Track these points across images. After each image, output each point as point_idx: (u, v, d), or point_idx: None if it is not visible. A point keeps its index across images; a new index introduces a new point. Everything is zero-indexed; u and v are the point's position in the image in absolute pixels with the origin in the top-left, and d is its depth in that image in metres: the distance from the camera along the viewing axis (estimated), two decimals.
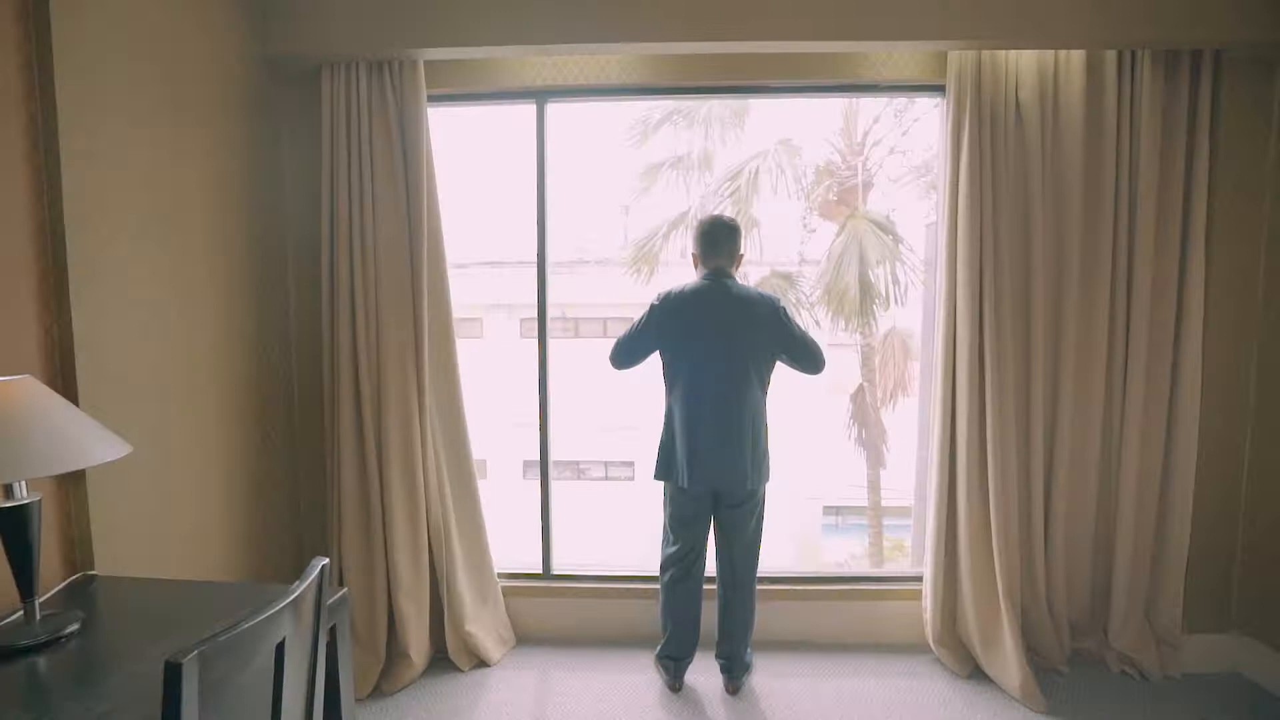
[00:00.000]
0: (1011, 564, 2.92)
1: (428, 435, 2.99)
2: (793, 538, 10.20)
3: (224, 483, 2.66)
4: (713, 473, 2.75)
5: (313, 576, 1.71)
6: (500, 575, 3.29)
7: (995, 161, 2.87)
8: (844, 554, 11.40)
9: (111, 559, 2.11)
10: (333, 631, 2.04)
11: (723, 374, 2.73)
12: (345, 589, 2.05)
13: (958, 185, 2.91)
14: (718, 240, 2.83)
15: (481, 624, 3.13)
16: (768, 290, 6.85)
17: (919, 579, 3.22)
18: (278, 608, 1.46)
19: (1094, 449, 2.97)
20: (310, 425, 3.12)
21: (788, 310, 2.82)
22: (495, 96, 3.16)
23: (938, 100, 3.15)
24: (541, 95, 3.13)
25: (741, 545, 2.85)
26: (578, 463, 9.98)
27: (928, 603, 3.09)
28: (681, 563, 2.89)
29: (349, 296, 2.93)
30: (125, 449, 1.74)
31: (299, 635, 1.60)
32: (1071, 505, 2.99)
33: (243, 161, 2.80)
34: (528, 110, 3.18)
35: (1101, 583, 3.06)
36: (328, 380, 2.98)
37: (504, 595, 3.27)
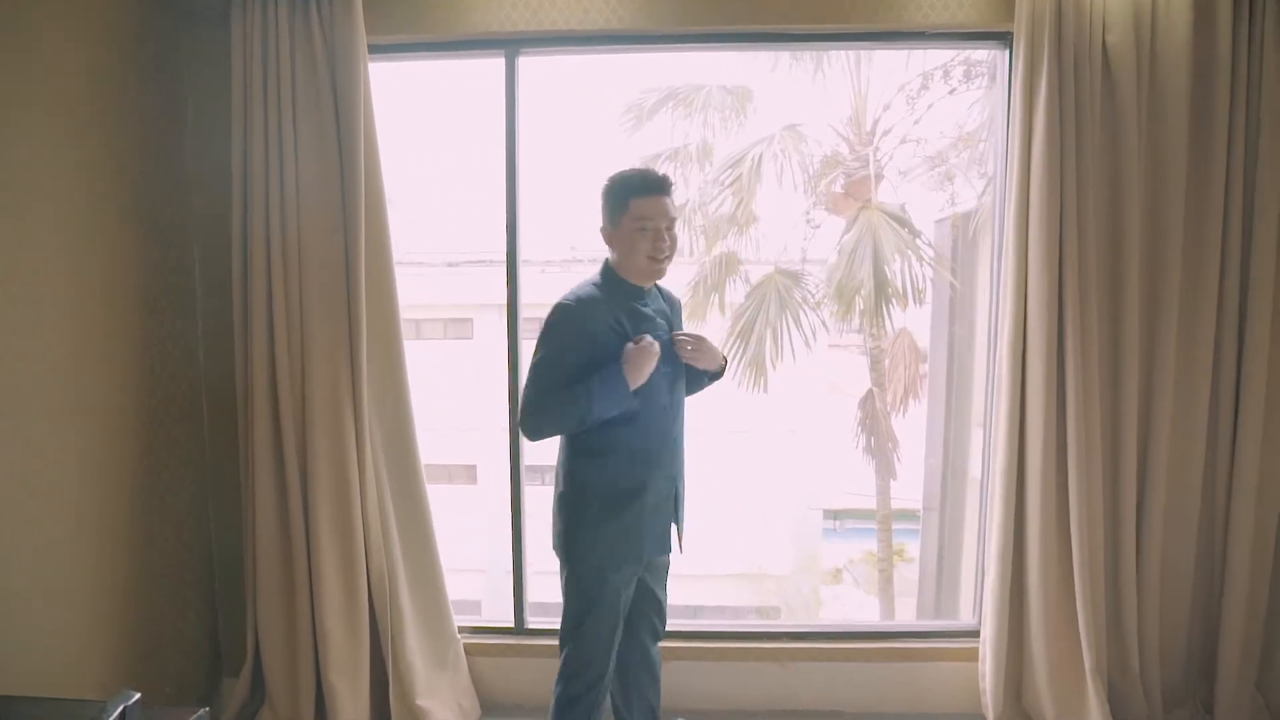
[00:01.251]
0: (1098, 624, 2.26)
1: (367, 465, 2.31)
2: (791, 540, 9.59)
3: (91, 535, 1.97)
4: None
5: None
6: (462, 630, 2.61)
7: (1080, 127, 2.20)
8: (844, 558, 10.80)
9: None
10: None
11: None
12: (204, 709, 1.38)
13: (1030, 157, 2.24)
14: None
15: (437, 695, 2.44)
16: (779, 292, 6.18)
17: (974, 634, 2.55)
18: None
19: (1195, 482, 2.31)
20: (228, 454, 2.44)
21: (551, 327, 1.85)
22: (454, 47, 2.48)
23: (997, 51, 2.49)
24: (511, 45, 2.45)
25: None
26: None
27: (986, 667, 2.42)
28: None
29: (265, 292, 2.25)
30: None
31: None
32: (1168, 550, 2.33)
33: (125, 122, 2.12)
34: (496, 66, 2.51)
35: (1201, 643, 2.40)
36: (241, 399, 2.30)
37: (467, 655, 2.59)
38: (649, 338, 1.84)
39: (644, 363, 1.82)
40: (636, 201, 1.85)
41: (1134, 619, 2.31)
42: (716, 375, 2.05)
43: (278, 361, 2.24)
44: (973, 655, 2.51)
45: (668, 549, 2.02)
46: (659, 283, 2.01)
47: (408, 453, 2.43)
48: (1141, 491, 2.30)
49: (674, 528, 2.02)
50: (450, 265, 9.08)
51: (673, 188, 1.92)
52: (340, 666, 2.30)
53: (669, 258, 1.89)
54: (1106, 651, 2.30)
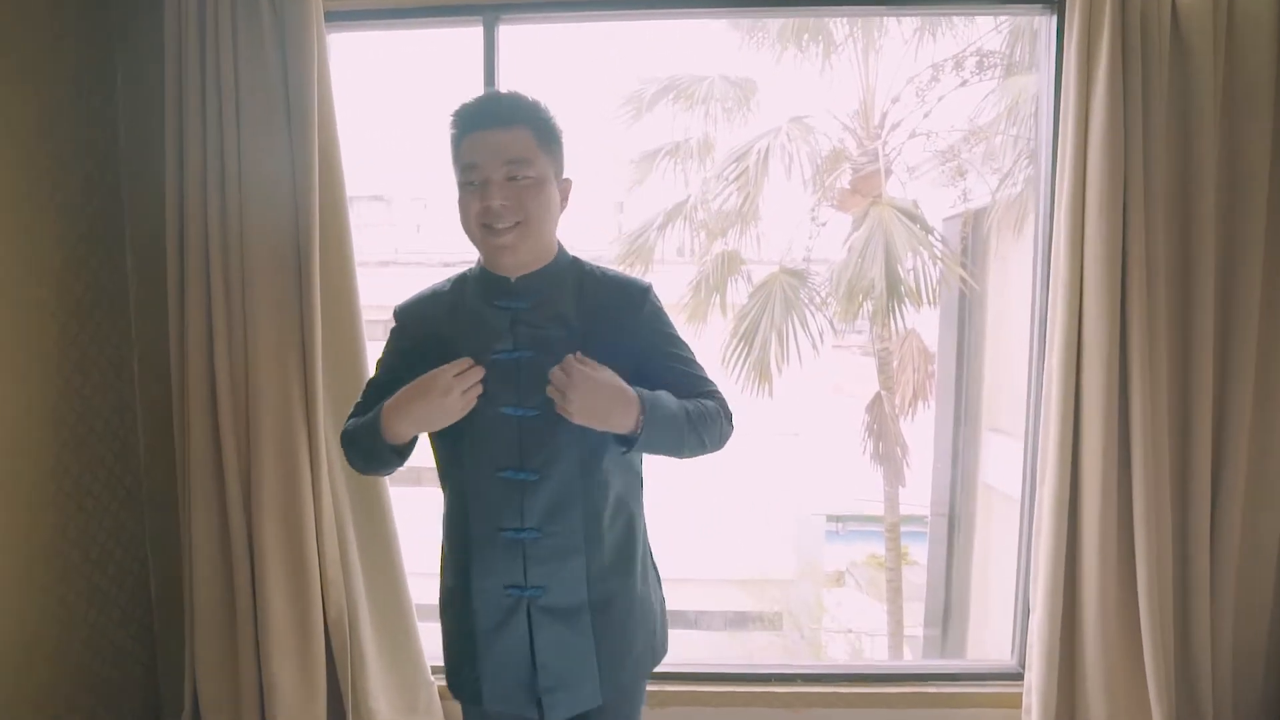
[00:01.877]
0: (1169, 673, 1.92)
1: (323, 486, 1.97)
2: (793, 545, 9.28)
3: None
4: None
5: None
6: (436, 671, 2.27)
7: (1148, 102, 1.86)
8: (846, 561, 10.49)
9: None
10: None
11: None
12: None
13: (1086, 140, 1.90)
14: None
15: None
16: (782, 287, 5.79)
17: (1014, 677, 2.22)
18: None
19: (1278, 511, 1.98)
20: (167, 477, 2.10)
21: None
22: (425, 13, 2.14)
23: (1043, 17, 2.16)
24: (490, 10, 2.12)
25: None
26: None
27: (1033, 719, 2.09)
28: None
29: (203, 295, 1.92)
30: None
31: None
32: (1245, 587, 1.99)
33: (39, 101, 1.79)
34: (473, 36, 2.17)
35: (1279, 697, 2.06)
36: (177, 415, 1.97)
37: (442, 699, 2.25)
38: (461, 365, 1.18)
39: (415, 404, 1.17)
40: (463, 144, 1.22)
41: (1208, 668, 1.97)
42: (629, 441, 1.20)
43: (217, 371, 1.90)
44: (1014, 701, 2.17)
45: (521, 707, 1.28)
46: (593, 265, 1.33)
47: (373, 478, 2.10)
48: (1215, 520, 1.96)
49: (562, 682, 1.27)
50: (446, 265, 8.79)
51: (528, 115, 1.23)
52: (291, 716, 1.96)
53: (521, 226, 1.20)
54: (1177, 707, 1.97)
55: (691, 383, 1.31)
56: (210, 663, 1.96)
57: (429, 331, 1.28)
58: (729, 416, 1.33)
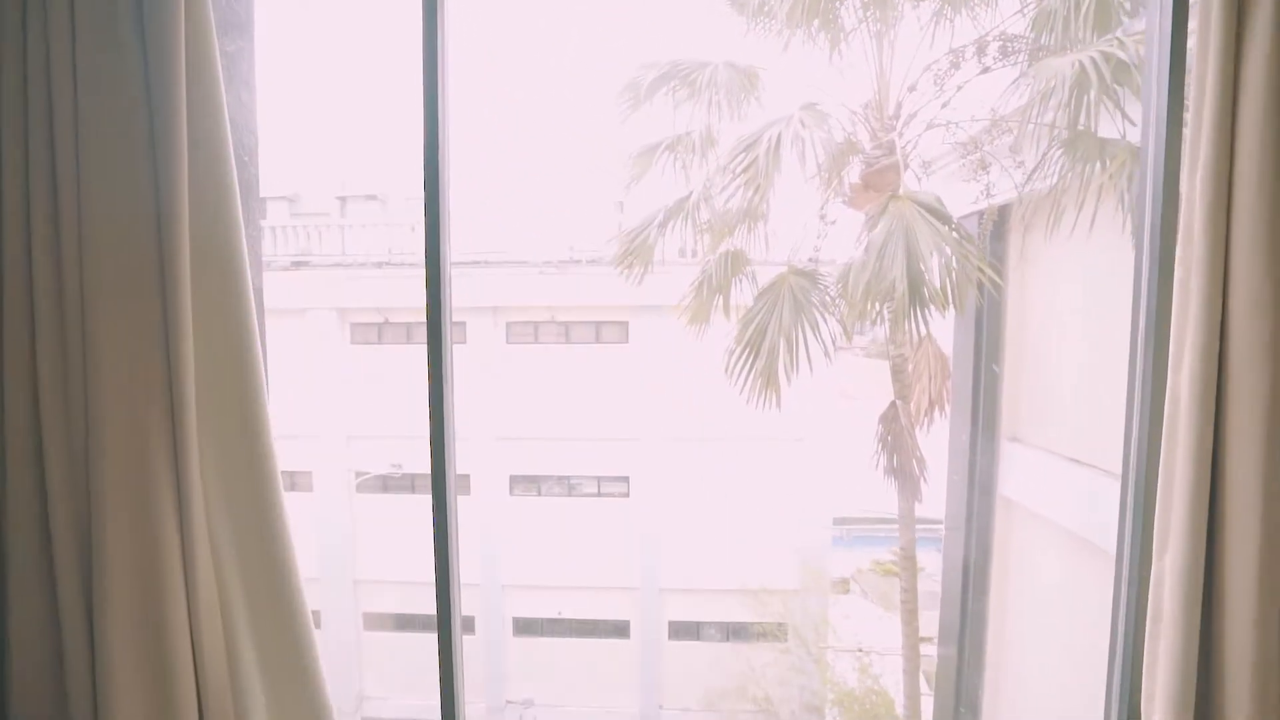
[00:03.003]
0: None
1: (197, 532, 1.39)
2: (798, 554, 8.76)
3: None
4: None
5: None
6: None
7: None
8: (851, 567, 9.96)
9: None
10: None
11: None
12: None
13: (1235, 99, 1.34)
14: None
15: None
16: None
17: None
18: None
19: None
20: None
21: None
22: None
23: None
24: None
25: None
26: (568, 478, 8.49)
27: None
28: None
29: (24, 286, 1.36)
30: None
31: None
32: None
33: None
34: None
35: None
36: None
37: None
38: None
39: None
40: None
41: None
42: None
43: (40, 389, 1.34)
44: None
45: None
46: None
47: (266, 505, 1.48)
48: None
49: None
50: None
51: None
52: None
53: None
54: None
55: None
56: None
57: None
58: None
